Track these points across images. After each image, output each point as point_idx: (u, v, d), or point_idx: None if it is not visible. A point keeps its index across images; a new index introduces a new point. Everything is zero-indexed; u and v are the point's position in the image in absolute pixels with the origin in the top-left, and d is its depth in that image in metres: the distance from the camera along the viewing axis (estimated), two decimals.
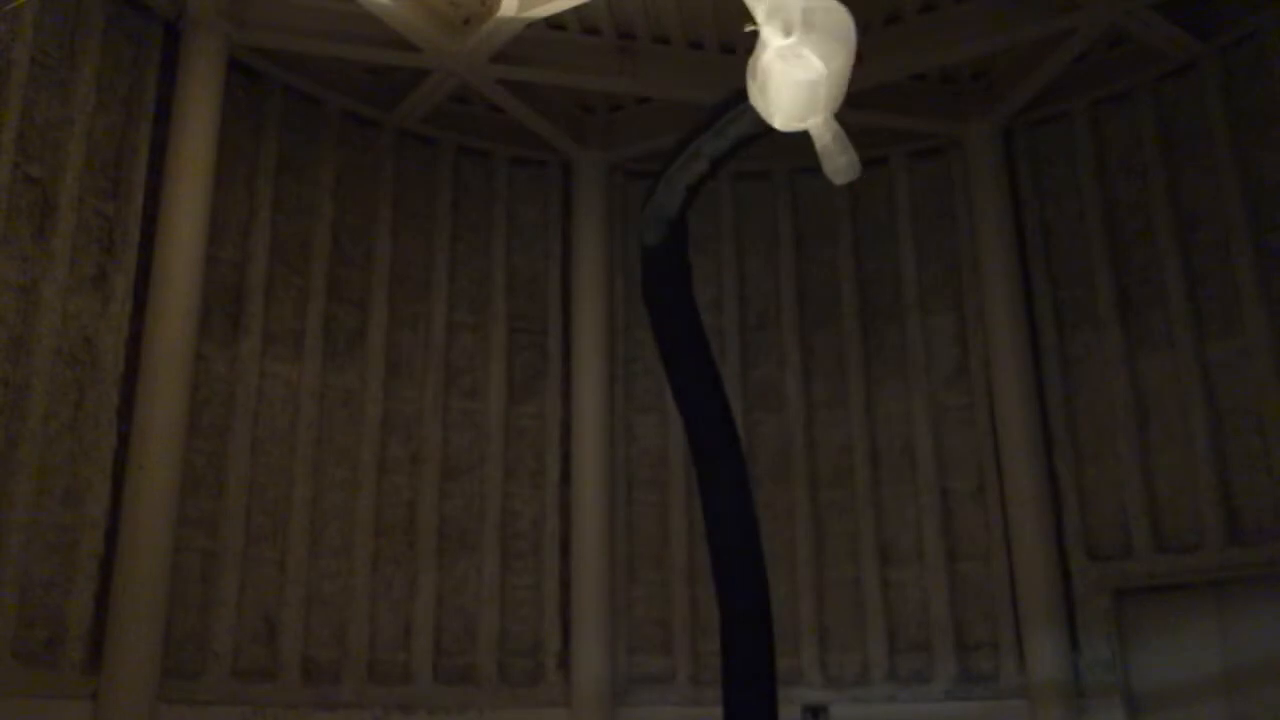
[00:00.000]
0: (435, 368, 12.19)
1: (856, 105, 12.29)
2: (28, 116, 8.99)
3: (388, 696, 11.02)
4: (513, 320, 12.80)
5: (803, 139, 13.85)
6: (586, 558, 12.04)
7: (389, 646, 11.26)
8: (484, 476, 12.19)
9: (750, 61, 4.33)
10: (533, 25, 11.03)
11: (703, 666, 12.05)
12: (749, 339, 13.09)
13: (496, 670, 11.71)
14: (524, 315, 12.88)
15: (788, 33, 4.25)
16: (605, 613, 11.93)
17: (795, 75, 4.27)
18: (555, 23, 11.51)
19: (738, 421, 3.93)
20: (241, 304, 10.82)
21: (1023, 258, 12.25)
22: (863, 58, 4.43)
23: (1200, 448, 10.84)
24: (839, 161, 4.71)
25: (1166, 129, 11.71)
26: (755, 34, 4.35)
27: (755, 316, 13.17)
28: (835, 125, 4.60)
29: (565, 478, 12.43)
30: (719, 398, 3.93)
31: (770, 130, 4.34)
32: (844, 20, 4.38)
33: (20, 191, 8.87)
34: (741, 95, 4.29)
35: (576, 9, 11.08)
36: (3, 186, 8.66)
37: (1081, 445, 11.64)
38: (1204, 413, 10.88)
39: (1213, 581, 10.68)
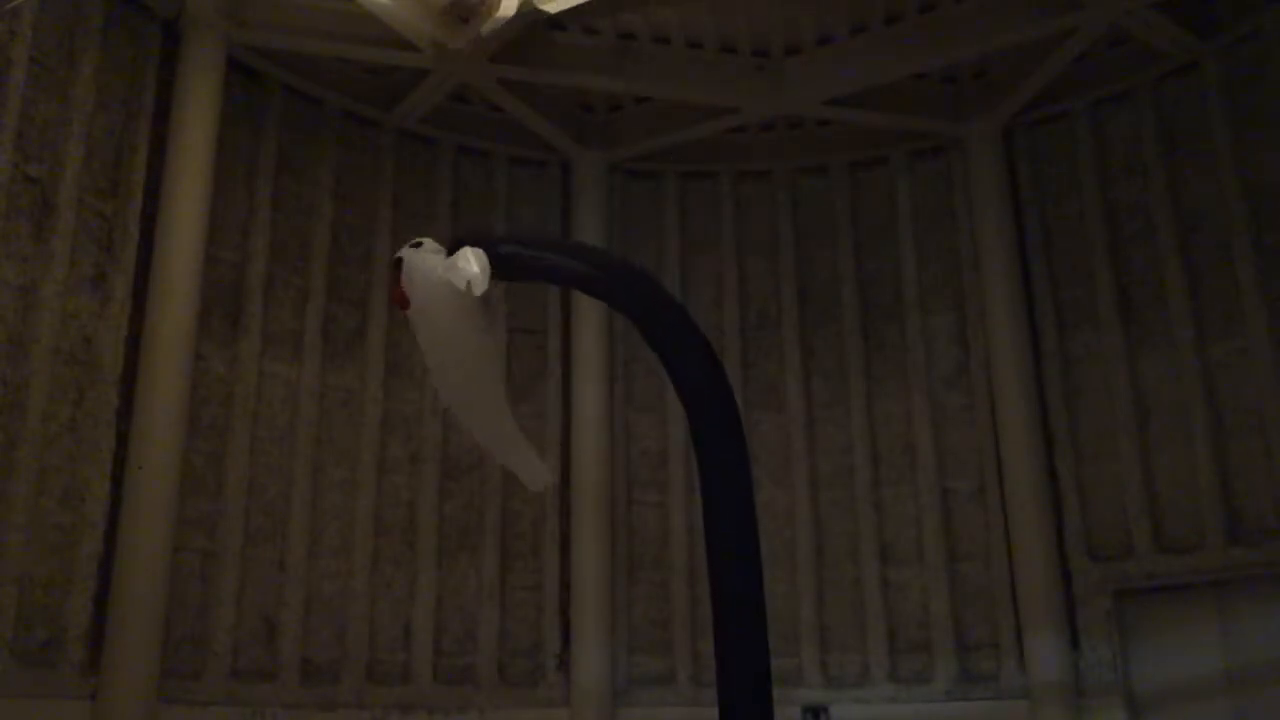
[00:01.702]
0: None
1: (856, 105, 12.43)
2: (27, 116, 8.98)
3: (387, 697, 11.01)
4: (512, 321, 12.79)
5: (802, 141, 13.79)
6: (586, 558, 12.03)
7: (389, 647, 11.25)
8: (484, 476, 12.18)
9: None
10: (532, 25, 11.02)
11: (703, 667, 12.03)
12: (749, 339, 13.08)
13: (496, 671, 11.69)
14: (524, 315, 12.87)
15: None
16: (605, 613, 11.92)
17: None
18: (555, 23, 11.49)
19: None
20: (241, 304, 10.81)
21: (1023, 258, 12.24)
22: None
23: (1200, 448, 10.83)
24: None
25: (1167, 129, 11.69)
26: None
27: (755, 316, 13.16)
28: None
29: (565, 478, 12.42)
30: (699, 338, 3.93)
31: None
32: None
33: (19, 191, 8.86)
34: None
35: (576, 9, 11.07)
36: (2, 186, 8.65)
37: (1082, 445, 11.62)
38: (1204, 413, 10.87)
39: (1213, 582, 10.66)
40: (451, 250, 3.82)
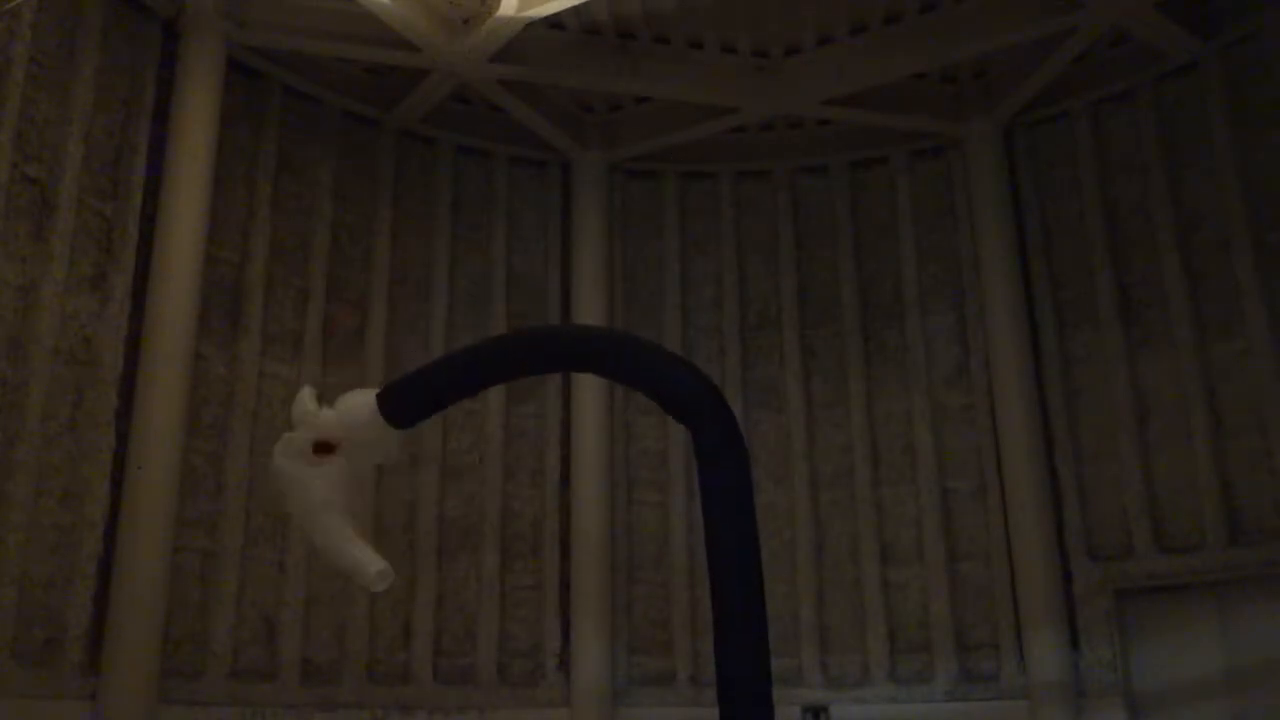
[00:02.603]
0: None
1: (856, 105, 12.43)
2: (26, 116, 8.98)
3: (387, 697, 11.00)
4: (513, 320, 12.78)
5: (802, 141, 13.79)
6: (586, 558, 12.02)
7: (389, 647, 11.24)
8: (484, 476, 12.18)
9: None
10: (533, 25, 11.02)
11: (703, 666, 12.04)
12: (749, 339, 13.08)
13: (496, 671, 11.69)
14: (524, 315, 12.86)
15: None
16: (605, 613, 11.91)
17: None
18: (555, 23, 11.49)
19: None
20: (241, 304, 10.81)
21: (1023, 258, 12.24)
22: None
23: (1201, 448, 10.82)
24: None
25: (1167, 129, 11.69)
26: None
27: (755, 316, 13.16)
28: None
29: (565, 478, 12.42)
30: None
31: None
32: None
33: (19, 191, 8.85)
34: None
35: (576, 9, 11.07)
36: (1, 186, 8.65)
37: (1082, 445, 11.62)
38: (1204, 413, 10.87)
39: (1213, 582, 10.66)
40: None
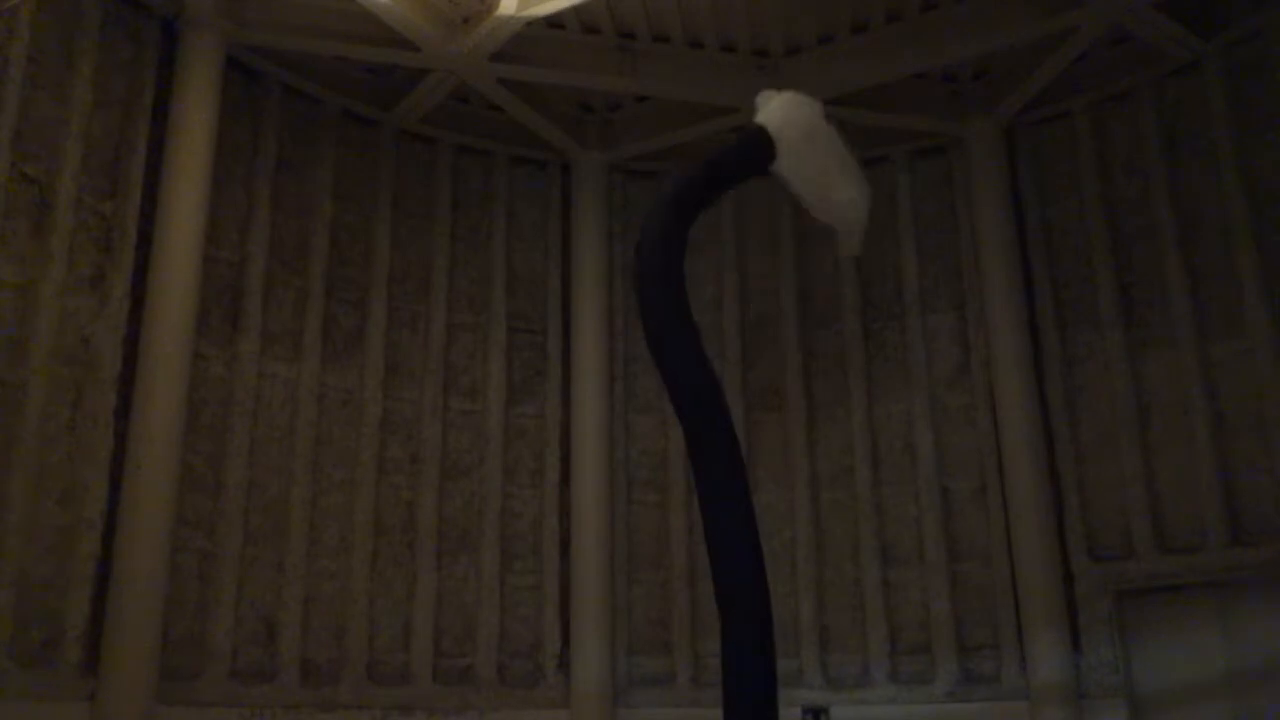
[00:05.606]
0: (435, 368, 12.17)
1: (857, 105, 12.41)
2: (25, 116, 8.98)
3: (387, 697, 10.99)
4: (512, 320, 12.78)
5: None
6: (586, 558, 12.01)
7: (388, 647, 11.23)
8: (484, 476, 12.17)
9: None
10: (532, 25, 11.02)
11: (703, 667, 12.03)
12: (749, 339, 13.07)
13: (496, 671, 11.68)
14: (523, 315, 12.86)
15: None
16: (605, 613, 11.90)
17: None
18: (555, 22, 11.48)
19: (737, 422, 3.94)
20: (240, 304, 10.80)
21: (1024, 257, 12.23)
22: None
23: (1202, 448, 10.81)
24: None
25: (1168, 128, 11.68)
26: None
27: (755, 316, 13.15)
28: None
29: (565, 478, 12.40)
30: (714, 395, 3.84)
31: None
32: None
33: (18, 191, 8.85)
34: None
35: (576, 9, 11.06)
36: (0, 186, 8.64)
37: (1083, 445, 11.60)
38: (1205, 413, 10.86)
39: (1215, 582, 10.64)
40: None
